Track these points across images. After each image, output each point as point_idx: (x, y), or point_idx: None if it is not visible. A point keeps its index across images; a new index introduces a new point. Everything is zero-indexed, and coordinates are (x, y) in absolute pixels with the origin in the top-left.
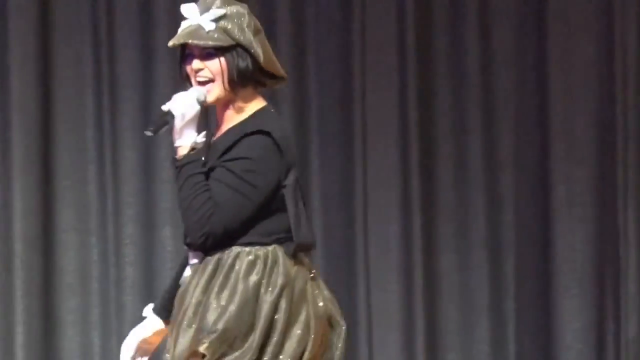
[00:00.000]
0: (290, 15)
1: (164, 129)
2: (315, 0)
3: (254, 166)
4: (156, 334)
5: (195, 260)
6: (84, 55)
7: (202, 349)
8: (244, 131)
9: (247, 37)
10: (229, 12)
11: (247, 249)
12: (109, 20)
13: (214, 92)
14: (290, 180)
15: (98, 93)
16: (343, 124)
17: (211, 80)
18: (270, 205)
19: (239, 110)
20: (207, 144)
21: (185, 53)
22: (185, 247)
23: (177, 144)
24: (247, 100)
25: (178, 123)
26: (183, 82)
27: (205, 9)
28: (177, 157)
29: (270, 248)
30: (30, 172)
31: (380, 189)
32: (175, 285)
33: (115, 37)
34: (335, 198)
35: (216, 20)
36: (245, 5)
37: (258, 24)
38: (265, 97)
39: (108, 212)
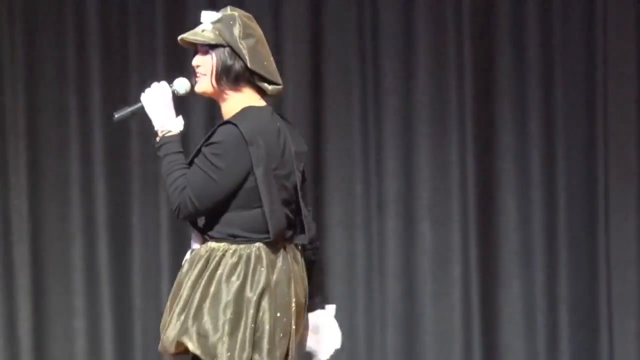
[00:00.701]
0: (537, 29)
1: (128, 114)
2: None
3: (219, 150)
4: None
5: (194, 246)
6: (351, 66)
7: (190, 347)
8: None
9: (233, 38)
10: (223, 16)
11: (233, 247)
12: (373, 37)
13: (201, 84)
14: (259, 172)
15: (364, 100)
16: (587, 129)
17: (200, 75)
18: (255, 201)
19: (232, 108)
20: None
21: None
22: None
23: (155, 127)
24: (241, 99)
25: (150, 110)
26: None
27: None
28: (157, 139)
29: (254, 247)
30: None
31: (620, 189)
32: None
33: (378, 50)
34: (579, 197)
35: (213, 22)
36: (244, 13)
37: (253, 30)
38: (267, 100)
39: (372, 207)
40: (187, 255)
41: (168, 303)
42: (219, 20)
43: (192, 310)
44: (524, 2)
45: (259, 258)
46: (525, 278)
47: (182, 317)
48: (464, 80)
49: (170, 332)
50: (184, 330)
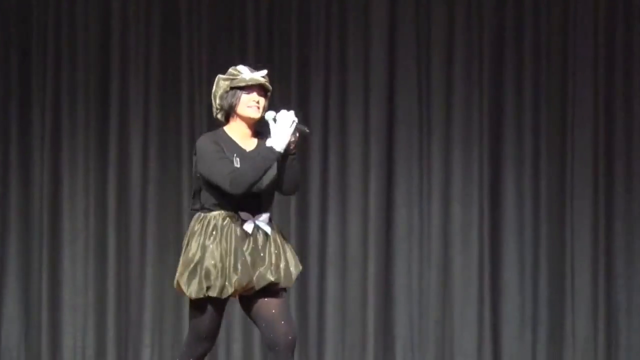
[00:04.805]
0: None
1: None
2: None
3: None
4: None
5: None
6: None
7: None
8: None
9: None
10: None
11: None
12: None
13: (260, 114)
14: None
15: None
16: None
17: (258, 108)
18: None
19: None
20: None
21: (244, 87)
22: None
23: (291, 139)
24: None
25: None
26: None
27: (255, 70)
28: (293, 149)
29: None
30: None
31: None
32: None
33: None
34: None
35: (264, 77)
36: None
37: None
38: None
39: None
40: (265, 227)
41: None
42: (265, 76)
43: (290, 254)
44: None
45: None
46: None
47: (294, 258)
48: None
49: (293, 269)
50: (298, 263)
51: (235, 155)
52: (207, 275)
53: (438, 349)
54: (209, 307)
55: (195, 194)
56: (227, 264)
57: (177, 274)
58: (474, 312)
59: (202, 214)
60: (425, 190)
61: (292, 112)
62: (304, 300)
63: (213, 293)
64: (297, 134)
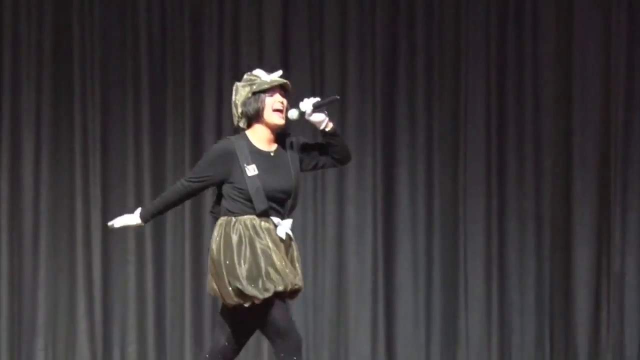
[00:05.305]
0: None
1: (326, 102)
2: None
3: None
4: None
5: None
6: None
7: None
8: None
9: None
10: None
11: None
12: None
13: (283, 115)
14: None
15: None
16: None
17: (282, 110)
18: None
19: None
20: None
21: (267, 89)
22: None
23: (327, 118)
24: None
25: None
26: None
27: (272, 72)
28: (334, 128)
29: None
30: None
31: None
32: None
33: None
34: None
35: (281, 76)
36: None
37: None
38: None
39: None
40: (286, 228)
41: (282, 256)
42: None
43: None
44: None
45: None
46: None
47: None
48: None
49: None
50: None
51: (248, 164)
52: (268, 274)
53: (333, 349)
54: (278, 301)
55: (217, 199)
56: (281, 264)
57: (231, 285)
58: (368, 312)
59: (234, 219)
60: (319, 193)
61: (310, 99)
62: (200, 304)
63: (280, 287)
64: (327, 111)
